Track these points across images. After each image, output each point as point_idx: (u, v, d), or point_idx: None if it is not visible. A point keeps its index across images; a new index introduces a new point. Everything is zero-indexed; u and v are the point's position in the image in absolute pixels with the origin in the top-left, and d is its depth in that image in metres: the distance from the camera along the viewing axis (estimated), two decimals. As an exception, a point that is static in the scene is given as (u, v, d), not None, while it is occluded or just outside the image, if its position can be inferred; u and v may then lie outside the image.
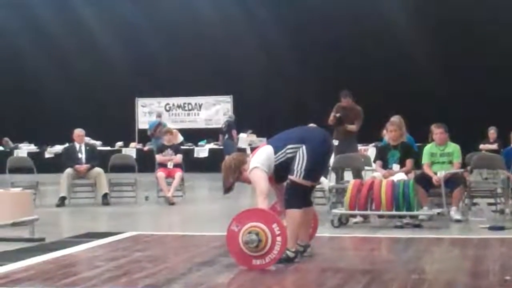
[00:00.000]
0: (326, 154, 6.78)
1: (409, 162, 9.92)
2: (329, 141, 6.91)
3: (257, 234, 6.11)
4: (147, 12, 25.37)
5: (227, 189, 6.72)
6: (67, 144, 14.75)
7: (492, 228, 8.76)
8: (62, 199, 12.65)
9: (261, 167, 6.45)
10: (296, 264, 6.38)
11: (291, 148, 6.46)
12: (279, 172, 6.51)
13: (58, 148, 22.17)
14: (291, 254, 6.41)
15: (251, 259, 6.19)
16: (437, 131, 10.09)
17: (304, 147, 6.42)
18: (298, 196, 6.45)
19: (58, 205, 12.49)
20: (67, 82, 25.84)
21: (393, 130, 10.13)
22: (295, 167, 6.39)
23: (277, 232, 6.13)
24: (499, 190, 10.59)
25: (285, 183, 6.55)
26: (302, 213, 6.46)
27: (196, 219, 11.09)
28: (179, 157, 13.36)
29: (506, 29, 21.68)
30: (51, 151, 23.76)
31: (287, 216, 6.47)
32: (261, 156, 6.52)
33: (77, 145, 13.29)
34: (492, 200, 10.71)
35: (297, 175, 6.38)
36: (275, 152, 6.49)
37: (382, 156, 10.17)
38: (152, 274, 6.03)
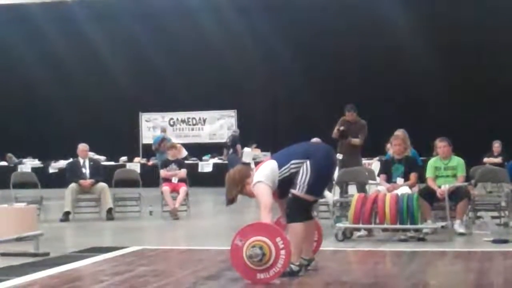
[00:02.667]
0: (329, 169, 6.81)
1: (413, 176, 9.93)
2: (332, 157, 6.93)
3: (260, 248, 6.13)
4: (151, 27, 25.42)
5: (230, 200, 6.74)
6: (71, 159, 14.77)
7: (496, 241, 8.74)
8: (66, 214, 12.67)
9: (265, 181, 6.46)
10: (301, 277, 6.38)
11: (295, 163, 6.48)
12: (283, 187, 6.53)
13: (62, 163, 22.17)
14: (295, 268, 6.41)
15: (256, 273, 6.19)
16: (440, 144, 10.11)
17: (308, 162, 6.44)
18: (300, 211, 6.47)
19: (62, 220, 12.51)
20: (71, 97, 25.87)
21: (397, 144, 10.14)
22: (298, 182, 6.42)
23: (281, 246, 6.14)
24: (503, 204, 10.59)
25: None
26: (304, 226, 6.47)
27: (201, 234, 11.09)
28: (183, 172, 13.37)
29: (509, 36, 21.69)
30: (55, 166, 23.78)
31: (290, 231, 6.48)
32: (265, 171, 6.54)
33: (81, 160, 13.31)
34: (496, 214, 10.70)
35: (299, 190, 6.40)
36: (279, 167, 6.51)
37: (386, 170, 10.18)
38: (156, 289, 6.04)
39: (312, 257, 6.73)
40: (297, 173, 6.45)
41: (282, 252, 6.14)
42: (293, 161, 6.50)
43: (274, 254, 6.13)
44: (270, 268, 6.16)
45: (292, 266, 6.39)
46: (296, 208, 6.46)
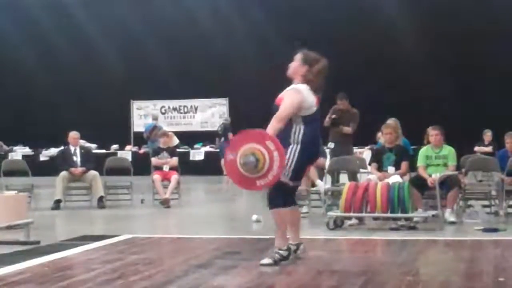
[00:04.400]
0: (315, 155, 6.72)
1: (404, 165, 9.96)
2: (318, 141, 6.82)
3: (253, 154, 6.11)
4: (143, 15, 25.36)
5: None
6: (62, 147, 14.75)
7: (486, 230, 8.79)
8: (57, 202, 12.65)
9: (304, 94, 6.36)
10: (292, 266, 6.39)
11: (300, 131, 6.39)
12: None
13: (53, 151, 22.14)
14: (284, 253, 6.42)
15: (255, 181, 6.19)
16: (433, 132, 10.13)
17: (296, 146, 6.38)
18: (283, 195, 6.42)
19: (53, 208, 12.49)
20: (62, 85, 25.80)
21: (389, 132, 10.16)
22: (288, 158, 6.33)
23: (272, 148, 6.11)
24: (493, 192, 10.64)
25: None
26: (288, 211, 6.46)
27: (192, 222, 11.09)
28: (175, 160, 13.37)
29: (505, 31, 21.72)
30: (46, 154, 23.72)
31: (274, 216, 6.47)
32: (307, 90, 6.42)
33: (72, 148, 13.28)
34: (486, 202, 10.75)
35: (285, 175, 6.33)
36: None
37: (378, 159, 10.20)
38: (147, 277, 6.04)
39: (300, 241, 6.70)
40: (286, 141, 6.34)
41: (275, 153, 6.11)
42: (304, 128, 6.39)
43: (268, 157, 6.11)
44: (267, 173, 6.14)
45: (281, 251, 6.40)
46: (279, 193, 6.39)
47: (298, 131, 6.39)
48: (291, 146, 6.37)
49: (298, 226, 6.74)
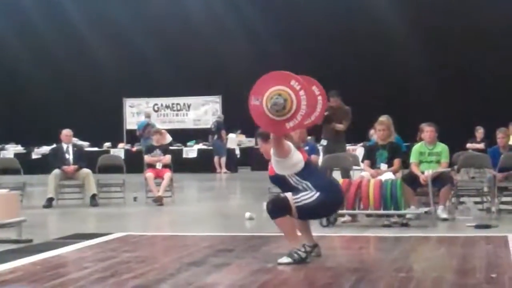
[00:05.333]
0: (329, 210, 6.78)
1: (397, 162, 9.95)
2: (339, 199, 6.79)
3: (279, 95, 6.00)
4: (136, 12, 25.33)
5: None
6: (54, 145, 14.69)
7: (478, 227, 8.81)
8: (50, 200, 12.61)
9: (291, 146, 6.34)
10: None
11: (305, 186, 6.35)
12: (282, 180, 6.44)
13: (46, 149, 22.06)
14: (303, 255, 6.37)
15: (284, 124, 6.07)
16: (427, 129, 10.15)
17: (318, 194, 6.31)
18: (283, 211, 6.36)
19: (45, 206, 12.45)
20: (54, 82, 25.77)
21: (382, 129, 10.14)
22: (300, 196, 6.31)
23: (298, 88, 6.03)
24: (485, 189, 10.66)
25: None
26: (289, 217, 6.40)
27: (185, 220, 11.08)
28: (168, 158, 13.35)
29: (493, 27, 21.78)
30: (38, 152, 23.65)
31: (277, 226, 6.45)
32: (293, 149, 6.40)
33: (64, 146, 13.24)
34: (478, 199, 10.79)
35: (296, 200, 6.30)
36: (299, 172, 6.38)
37: (370, 156, 10.19)
38: (140, 275, 6.03)
39: (315, 243, 6.65)
40: (302, 189, 6.33)
41: (301, 92, 6.02)
42: (307, 183, 6.34)
43: (295, 97, 6.01)
44: (296, 113, 6.03)
45: (300, 252, 6.36)
46: (281, 208, 6.35)
47: (306, 185, 6.36)
48: (310, 191, 6.33)
49: (307, 228, 6.68)
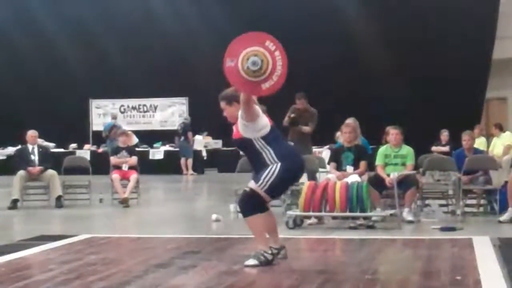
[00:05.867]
0: (296, 178, 6.68)
1: (363, 164, 10.02)
2: (302, 165, 6.71)
3: (256, 55, 5.97)
4: (102, 12, 25.17)
5: None
6: (19, 146, 14.58)
7: (443, 229, 8.89)
8: (15, 201, 12.50)
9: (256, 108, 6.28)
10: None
11: (267, 154, 6.30)
12: (247, 144, 6.37)
13: (10, 149, 21.88)
14: (269, 257, 6.35)
15: (260, 85, 6.05)
16: (393, 131, 10.22)
17: (279, 165, 6.26)
18: (255, 205, 6.35)
19: (10, 208, 12.34)
20: (19, 82, 25.50)
21: (348, 131, 10.20)
22: (262, 178, 6.26)
23: (273, 48, 6.01)
24: (450, 192, 10.77)
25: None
26: (262, 216, 6.38)
27: (151, 221, 11.04)
28: (134, 159, 13.30)
29: (456, 29, 22.01)
30: (3, 153, 23.43)
31: (248, 224, 6.42)
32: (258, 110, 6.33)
33: (30, 147, 13.14)
34: (443, 202, 10.88)
35: (260, 186, 6.26)
36: (265, 135, 6.32)
37: (336, 158, 10.25)
38: (106, 277, 6.00)
39: (282, 245, 6.62)
40: (263, 164, 6.28)
41: (277, 53, 6.00)
42: (270, 149, 6.29)
43: (270, 58, 5.99)
44: (272, 74, 6.02)
45: (266, 254, 6.34)
46: (252, 202, 6.34)
47: (269, 153, 6.31)
48: (270, 166, 6.28)
49: (275, 230, 6.62)
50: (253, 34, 6.18)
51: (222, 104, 6.58)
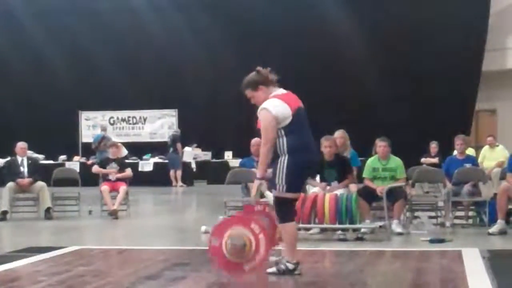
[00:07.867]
0: (306, 166, 6.50)
1: (349, 177, 9.90)
2: (313, 151, 6.65)
3: (239, 238, 6.05)
4: (93, 25, 25.16)
5: None
6: (8, 158, 14.54)
7: (432, 241, 8.90)
8: (4, 213, 12.46)
9: (273, 112, 6.27)
10: (250, 278, 6.37)
11: (281, 142, 6.29)
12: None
13: (0, 161, 21.79)
14: (290, 266, 6.35)
15: (242, 266, 6.12)
16: (380, 144, 10.19)
17: (286, 158, 6.27)
18: (287, 209, 6.35)
19: (-1, 220, 12.31)
20: (9, 94, 25.46)
21: (328, 145, 9.91)
22: (277, 181, 6.28)
23: (258, 231, 6.09)
24: (439, 204, 10.79)
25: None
26: (295, 225, 6.43)
27: (141, 233, 11.02)
28: (128, 171, 13.31)
29: (446, 41, 22.12)
30: (-8, 165, 23.32)
31: (282, 231, 6.40)
32: (276, 103, 6.32)
33: (19, 159, 13.11)
34: (433, 213, 10.89)
35: (280, 190, 6.28)
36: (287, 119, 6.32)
37: (319, 172, 9.93)
38: (95, 289, 5.99)
39: (299, 261, 6.54)
40: (275, 153, 6.28)
41: (261, 236, 6.08)
42: (285, 139, 6.28)
43: (254, 240, 6.07)
44: (254, 256, 6.09)
45: (288, 264, 6.34)
46: (283, 208, 6.33)
47: (282, 143, 6.31)
48: (279, 159, 6.31)
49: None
50: (240, 217, 6.32)
51: (248, 92, 6.57)
